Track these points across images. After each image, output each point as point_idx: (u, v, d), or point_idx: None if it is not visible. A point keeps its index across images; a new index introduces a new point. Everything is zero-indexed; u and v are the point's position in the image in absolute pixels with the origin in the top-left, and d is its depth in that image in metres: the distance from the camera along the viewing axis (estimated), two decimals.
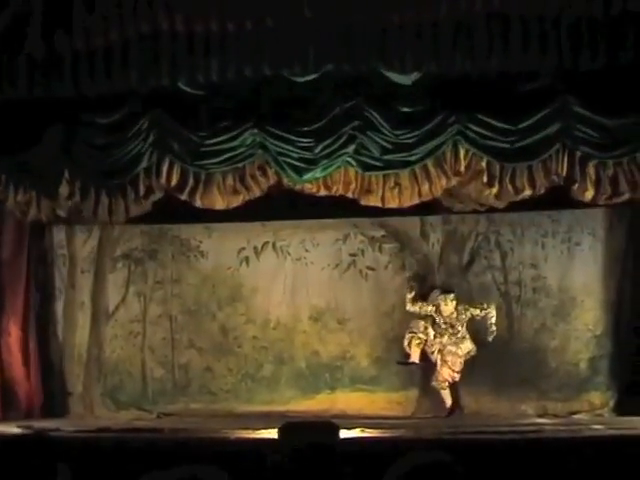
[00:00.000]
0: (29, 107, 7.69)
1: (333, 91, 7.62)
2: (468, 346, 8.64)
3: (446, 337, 8.65)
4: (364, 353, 9.23)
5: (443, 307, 8.68)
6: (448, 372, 8.67)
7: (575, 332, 8.94)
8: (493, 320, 8.64)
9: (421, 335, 8.68)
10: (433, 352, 8.70)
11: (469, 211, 8.85)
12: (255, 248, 9.39)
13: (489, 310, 8.66)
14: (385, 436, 7.24)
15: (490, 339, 8.64)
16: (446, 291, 8.81)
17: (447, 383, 8.70)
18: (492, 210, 8.73)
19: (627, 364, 8.70)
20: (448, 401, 8.72)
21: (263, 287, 9.38)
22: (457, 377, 8.69)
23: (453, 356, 8.64)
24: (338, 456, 4.23)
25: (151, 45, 7.42)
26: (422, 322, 8.72)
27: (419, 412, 8.99)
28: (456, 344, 8.63)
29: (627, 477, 5.87)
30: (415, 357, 8.72)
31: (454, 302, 8.70)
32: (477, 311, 8.67)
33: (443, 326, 8.67)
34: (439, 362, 8.68)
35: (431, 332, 8.68)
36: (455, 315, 8.67)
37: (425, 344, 8.71)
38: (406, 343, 8.72)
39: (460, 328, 8.65)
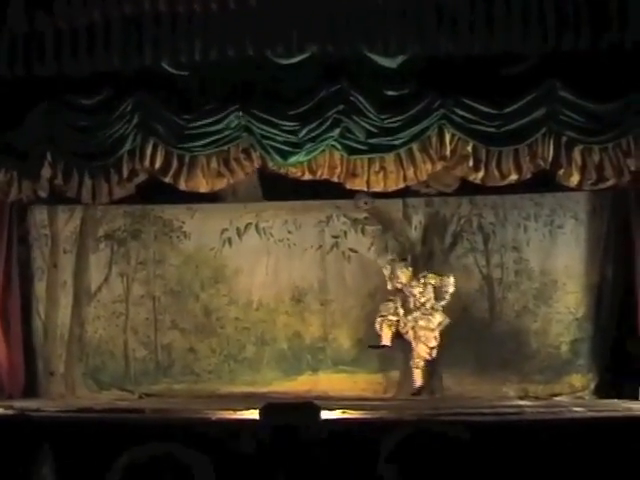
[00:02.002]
0: (11, 87, 7.62)
1: (318, 75, 7.58)
2: (439, 318, 8.62)
3: (416, 313, 8.63)
4: (346, 335, 9.25)
5: (399, 275, 8.70)
6: (424, 349, 8.65)
7: (557, 315, 8.98)
8: (450, 290, 8.62)
9: (391, 317, 8.68)
10: (407, 331, 8.70)
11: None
12: (238, 229, 9.38)
13: (445, 278, 8.66)
14: (366, 417, 7.26)
15: (439, 305, 8.62)
16: (402, 259, 8.85)
17: (424, 361, 8.70)
18: (475, 193, 8.75)
19: (608, 347, 8.74)
20: (418, 381, 8.72)
21: (246, 268, 9.37)
22: (434, 353, 8.66)
23: (425, 330, 8.61)
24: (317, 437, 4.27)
25: (134, 25, 7.37)
26: (391, 304, 8.72)
27: (400, 393, 9.02)
28: (426, 318, 8.60)
29: (607, 459, 5.92)
30: (387, 340, 8.71)
31: (409, 269, 8.72)
32: (433, 280, 8.66)
33: (412, 302, 8.67)
34: (413, 340, 8.68)
35: (401, 311, 8.67)
36: (419, 288, 8.65)
37: (397, 325, 8.70)
38: (378, 327, 8.72)
39: (428, 300, 8.64)
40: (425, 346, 8.64)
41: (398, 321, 8.68)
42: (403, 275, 8.72)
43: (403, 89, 7.59)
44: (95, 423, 6.96)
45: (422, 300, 8.64)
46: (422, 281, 8.68)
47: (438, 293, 8.67)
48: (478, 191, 8.59)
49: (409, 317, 8.64)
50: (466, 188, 8.49)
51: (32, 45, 7.45)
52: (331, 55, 7.34)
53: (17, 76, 7.51)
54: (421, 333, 8.62)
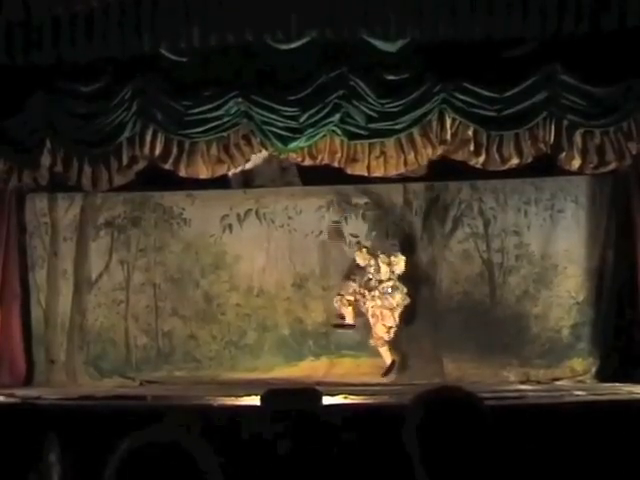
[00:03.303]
0: (10, 75, 7.59)
1: (318, 60, 7.58)
2: (398, 298, 8.64)
3: (374, 292, 8.65)
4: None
5: (357, 256, 8.77)
6: (382, 328, 8.66)
7: (557, 299, 8.98)
8: (397, 270, 8.67)
9: (348, 296, 8.71)
10: (366, 310, 8.71)
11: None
12: (238, 215, 9.36)
13: (394, 258, 8.69)
14: (368, 403, 7.27)
15: (398, 284, 8.67)
16: (357, 241, 8.94)
17: (383, 340, 8.71)
18: (475, 177, 8.73)
19: (609, 331, 8.75)
20: (387, 359, 8.75)
21: (246, 254, 9.36)
22: (392, 333, 8.67)
23: (382, 309, 8.63)
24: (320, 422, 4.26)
25: (132, 11, 7.33)
26: (352, 284, 8.76)
27: (401, 378, 9.01)
28: (384, 297, 8.62)
29: (608, 442, 5.93)
30: (350, 319, 8.75)
31: (363, 251, 8.76)
32: (386, 260, 8.68)
33: (371, 282, 8.69)
34: (371, 319, 8.69)
35: (362, 291, 8.68)
36: (374, 267, 8.68)
37: (355, 304, 8.71)
38: (336, 306, 8.76)
39: (386, 280, 8.66)
40: (383, 326, 8.65)
41: (357, 300, 8.70)
42: (358, 256, 8.77)
43: (403, 74, 7.59)
44: (96, 411, 6.95)
45: (379, 279, 8.66)
46: (377, 261, 8.71)
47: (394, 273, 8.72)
48: (479, 175, 8.57)
49: (367, 296, 8.67)
50: (466, 172, 8.47)
51: (30, 32, 7.42)
52: (331, 40, 7.33)
53: (15, 64, 7.48)
54: (378, 312, 8.64)
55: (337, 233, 9.20)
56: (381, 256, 8.72)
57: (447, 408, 2.30)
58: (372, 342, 8.75)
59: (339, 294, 8.78)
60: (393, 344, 8.81)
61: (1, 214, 9.08)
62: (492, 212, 9.13)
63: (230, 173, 8.77)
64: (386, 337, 8.69)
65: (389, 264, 8.69)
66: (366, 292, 8.68)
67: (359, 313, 8.78)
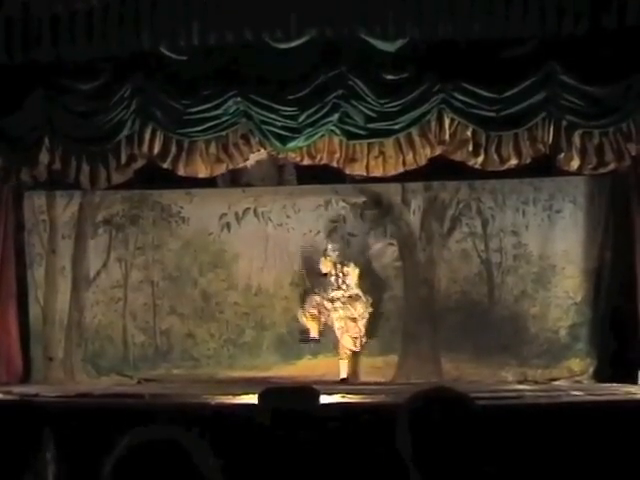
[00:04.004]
0: (9, 73, 7.58)
1: (317, 60, 7.58)
2: (359, 308, 8.66)
3: (337, 302, 8.66)
4: None
5: (321, 264, 8.77)
6: (348, 340, 8.68)
7: (555, 299, 8.99)
8: (348, 281, 8.66)
9: (312, 310, 8.71)
10: (332, 322, 8.71)
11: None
12: (236, 214, 9.36)
13: (346, 268, 8.69)
14: (366, 402, 7.27)
15: (360, 294, 8.67)
16: (324, 250, 8.89)
17: (349, 352, 8.72)
18: (474, 177, 8.73)
19: (606, 331, 8.75)
20: (343, 372, 8.74)
21: (244, 253, 9.35)
22: (358, 344, 8.70)
23: (347, 320, 8.65)
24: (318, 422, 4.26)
25: (132, 9, 7.32)
26: (315, 297, 8.76)
27: (399, 378, 9.03)
28: (347, 307, 8.64)
29: (606, 443, 5.93)
30: (314, 332, 8.75)
31: (329, 259, 8.76)
32: (345, 269, 8.70)
33: (336, 292, 8.69)
34: (338, 331, 8.70)
35: (327, 304, 8.68)
36: (335, 277, 8.70)
37: (319, 317, 8.71)
38: (303, 320, 8.77)
39: (347, 290, 8.67)
40: (350, 337, 8.66)
41: (321, 312, 8.70)
42: (323, 265, 8.79)
43: (402, 73, 7.58)
44: (94, 408, 6.95)
45: (341, 290, 8.67)
46: (339, 271, 8.71)
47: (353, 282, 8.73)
48: (477, 176, 8.57)
49: (330, 307, 8.68)
50: (464, 172, 8.46)
51: (29, 30, 7.40)
52: (330, 39, 7.32)
53: (14, 61, 7.47)
54: (342, 323, 8.65)
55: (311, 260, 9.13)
56: (345, 266, 8.72)
57: (439, 409, 2.31)
58: (341, 355, 8.75)
59: (301, 307, 8.79)
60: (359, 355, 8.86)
61: None
62: (490, 212, 9.13)
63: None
64: (353, 348, 8.70)
65: (348, 274, 8.69)
66: (329, 303, 8.67)
67: (326, 325, 8.76)
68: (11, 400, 7.16)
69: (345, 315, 8.65)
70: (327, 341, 9.14)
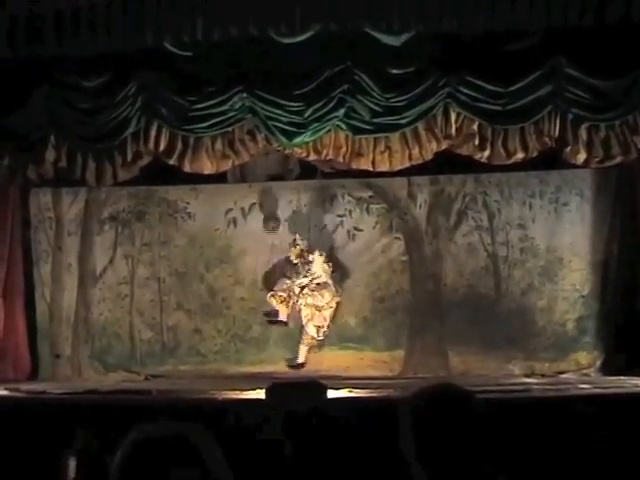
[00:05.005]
0: (14, 70, 7.58)
1: (323, 54, 7.54)
2: (327, 296, 8.67)
3: (305, 290, 8.68)
4: (352, 313, 9.23)
5: (291, 253, 8.83)
6: (312, 328, 8.69)
7: (562, 292, 8.98)
8: (312, 268, 8.69)
9: (281, 293, 8.73)
10: (299, 309, 8.72)
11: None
12: (242, 209, 9.36)
13: (312, 255, 8.74)
14: (373, 396, 7.27)
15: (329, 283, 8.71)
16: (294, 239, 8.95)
17: (315, 340, 8.74)
18: (480, 170, 8.71)
19: (613, 324, 8.74)
20: (302, 358, 8.77)
21: (251, 248, 9.35)
22: (322, 333, 8.71)
23: (312, 308, 8.66)
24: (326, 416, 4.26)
25: (135, 4, 7.31)
26: (286, 280, 8.79)
27: (405, 371, 9.03)
28: (314, 295, 8.66)
29: (613, 435, 5.94)
30: (282, 315, 8.77)
31: (297, 247, 8.82)
32: (311, 257, 8.73)
33: (304, 280, 8.71)
34: (304, 319, 8.71)
35: (296, 289, 8.69)
36: (301, 265, 8.76)
37: (288, 301, 8.72)
38: (270, 302, 8.78)
39: (315, 278, 8.69)
40: (314, 326, 8.68)
41: (290, 297, 8.71)
42: (292, 253, 8.83)
43: (408, 68, 7.55)
44: (101, 405, 6.96)
45: (309, 278, 8.69)
46: (306, 259, 8.75)
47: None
48: (483, 169, 8.55)
49: (300, 294, 8.68)
50: (470, 165, 8.44)
51: (33, 27, 7.39)
52: (335, 34, 7.29)
53: (19, 58, 7.46)
54: (308, 311, 8.66)
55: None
56: (313, 255, 8.75)
57: (442, 407, 2.31)
58: (304, 341, 8.76)
59: (271, 290, 8.80)
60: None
61: (5, 209, 9.08)
62: (497, 205, 9.13)
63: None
64: (316, 336, 8.71)
65: (312, 262, 8.72)
66: (298, 290, 8.68)
67: (294, 311, 8.79)
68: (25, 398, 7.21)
69: (312, 303, 8.66)
70: (331, 335, 9.15)
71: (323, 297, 8.67)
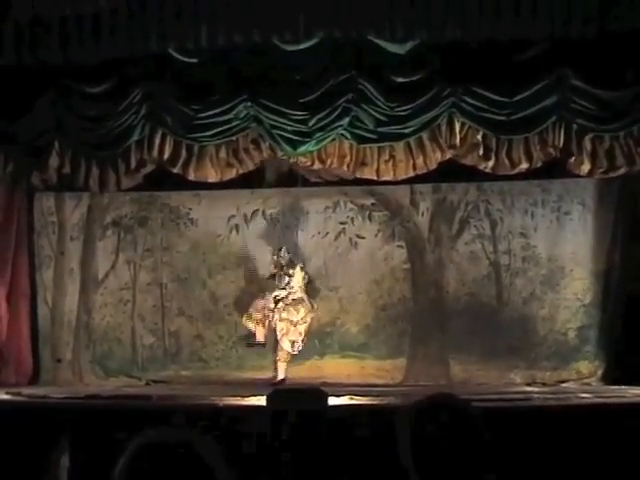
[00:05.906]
0: (19, 76, 7.59)
1: (327, 63, 7.56)
2: (302, 312, 8.67)
3: (280, 304, 8.66)
4: (353, 320, 9.24)
5: (271, 265, 8.84)
6: (287, 343, 8.67)
7: (564, 301, 8.98)
8: (292, 282, 8.69)
9: (256, 314, 8.71)
10: (275, 325, 8.70)
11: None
12: (245, 215, 9.37)
13: (292, 270, 8.73)
14: (374, 404, 7.27)
15: (304, 298, 8.72)
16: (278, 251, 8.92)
17: (289, 355, 8.71)
18: (482, 179, 8.73)
19: (615, 334, 8.75)
20: (281, 374, 8.72)
21: (253, 255, 9.35)
22: (297, 348, 8.69)
23: (287, 323, 8.64)
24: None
25: (140, 11, 7.32)
26: (260, 300, 8.76)
27: (407, 380, 9.03)
28: (289, 310, 8.65)
29: (615, 445, 5.94)
30: (260, 336, 8.75)
31: (280, 259, 8.80)
32: (290, 272, 8.72)
33: (282, 292, 8.70)
34: (279, 334, 8.69)
35: (271, 305, 8.67)
36: (278, 280, 8.74)
37: (263, 321, 8.71)
38: (248, 324, 8.76)
39: (291, 293, 8.68)
40: (289, 341, 8.67)
41: (266, 316, 8.69)
42: (273, 265, 8.85)
43: (412, 76, 7.56)
44: (102, 410, 6.96)
45: (287, 291, 8.69)
46: (285, 272, 8.74)
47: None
48: (485, 177, 8.56)
49: (275, 310, 8.67)
50: (472, 174, 8.45)
51: (38, 33, 7.40)
52: (339, 42, 7.31)
53: (24, 65, 7.47)
54: (283, 325, 8.65)
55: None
56: (291, 268, 8.75)
57: (440, 419, 2.32)
58: (278, 356, 8.75)
59: (247, 313, 8.80)
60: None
61: (10, 214, 9.07)
62: (499, 214, 9.14)
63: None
64: (291, 351, 8.70)
65: (292, 276, 8.72)
66: (273, 304, 8.68)
67: (270, 329, 8.77)
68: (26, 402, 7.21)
69: (287, 317, 8.65)
70: (333, 342, 9.17)
71: (298, 313, 8.66)
